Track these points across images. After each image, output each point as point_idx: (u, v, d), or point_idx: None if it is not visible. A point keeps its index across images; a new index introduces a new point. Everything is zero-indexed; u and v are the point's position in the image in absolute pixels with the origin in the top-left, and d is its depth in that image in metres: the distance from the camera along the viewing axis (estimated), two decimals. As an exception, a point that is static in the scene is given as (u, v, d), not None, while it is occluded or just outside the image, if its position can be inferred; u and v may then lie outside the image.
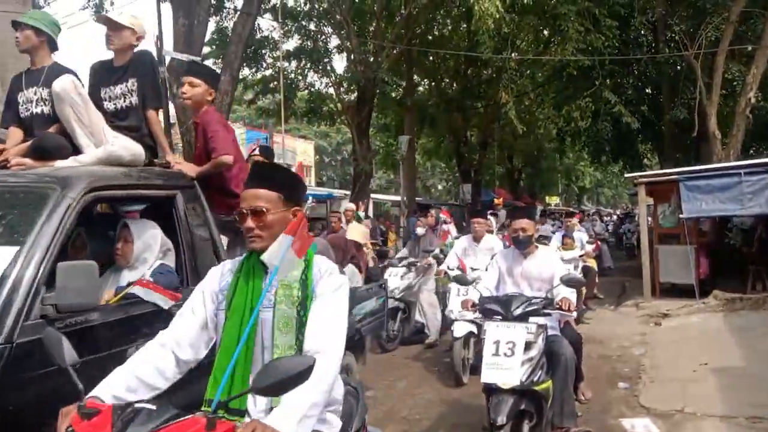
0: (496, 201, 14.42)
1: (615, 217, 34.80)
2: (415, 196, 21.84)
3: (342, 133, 39.20)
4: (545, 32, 17.76)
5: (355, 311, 4.58)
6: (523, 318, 3.76)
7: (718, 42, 13.15)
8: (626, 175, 12.48)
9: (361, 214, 13.59)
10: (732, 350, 6.64)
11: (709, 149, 13.19)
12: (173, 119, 12.61)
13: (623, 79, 17.42)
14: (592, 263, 9.94)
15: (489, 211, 12.99)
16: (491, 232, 9.41)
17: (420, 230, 8.61)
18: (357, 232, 8.76)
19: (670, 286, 10.48)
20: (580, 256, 9.15)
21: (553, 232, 12.63)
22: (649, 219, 12.21)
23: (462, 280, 4.62)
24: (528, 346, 3.65)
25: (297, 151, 35.78)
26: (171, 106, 12.21)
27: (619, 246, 21.33)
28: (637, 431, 4.66)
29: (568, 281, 3.85)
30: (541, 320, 3.86)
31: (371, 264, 9.18)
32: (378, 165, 29.63)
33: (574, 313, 4.22)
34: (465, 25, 19.48)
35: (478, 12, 11.29)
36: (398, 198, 22.42)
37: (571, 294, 4.00)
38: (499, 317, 3.84)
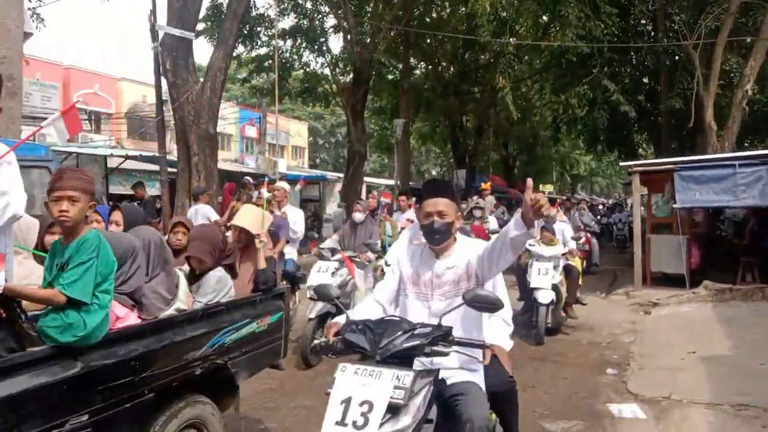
0: (483, 186, 14.03)
1: (603, 207, 32.72)
2: (409, 181, 21.78)
3: (336, 115, 38.97)
4: (545, 18, 17.59)
5: (214, 340, 3.29)
6: (398, 361, 2.36)
7: (717, 33, 13.07)
8: (621, 164, 12.46)
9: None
10: (720, 340, 6.67)
11: (704, 140, 13.18)
12: (165, 95, 12.46)
13: (621, 68, 17.30)
14: (576, 262, 8.21)
15: (475, 197, 12.90)
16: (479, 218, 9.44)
17: (358, 216, 7.14)
18: (247, 218, 5.03)
19: (661, 276, 10.52)
20: (564, 254, 7.53)
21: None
22: (642, 209, 12.24)
23: (322, 293, 2.91)
24: (394, 410, 2.23)
25: (290, 132, 35.55)
26: (163, 82, 12.11)
27: (609, 238, 21.26)
28: (624, 416, 4.67)
29: (472, 300, 2.38)
30: (437, 360, 2.50)
31: (263, 264, 5.85)
32: (372, 148, 29.49)
33: (508, 345, 3.02)
34: (463, 9, 19.30)
35: None
36: (392, 182, 22.36)
37: (502, 330, 2.98)
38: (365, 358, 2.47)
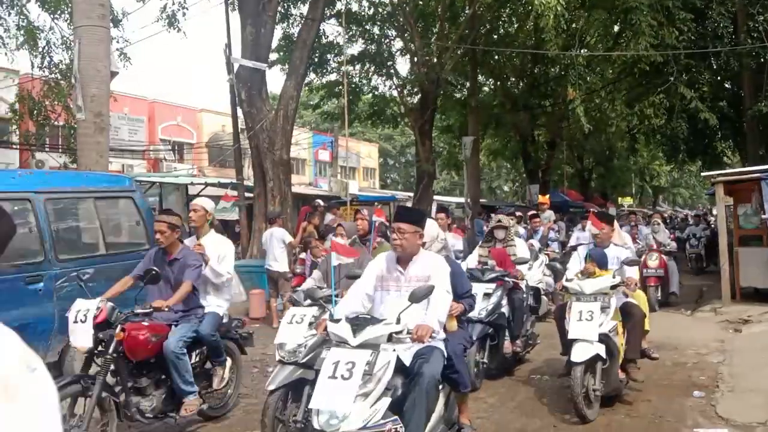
0: (540, 200, 13.41)
1: (678, 219, 29.13)
2: (479, 198, 21.60)
3: (406, 136, 39.28)
4: (615, 27, 17.15)
5: None
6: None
7: (805, 30, 12.31)
8: (703, 174, 11.87)
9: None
10: (822, 360, 6.18)
11: (795, 145, 12.38)
12: (242, 124, 13.02)
13: (700, 74, 16.59)
14: (640, 298, 5.78)
15: (530, 213, 12.33)
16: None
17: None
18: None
19: (751, 291, 9.89)
20: (617, 286, 5.20)
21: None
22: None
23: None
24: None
25: (361, 154, 36.11)
26: (240, 111, 12.66)
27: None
28: (714, 443, 4.41)
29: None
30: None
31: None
32: (441, 166, 29.48)
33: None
34: (531, 24, 19.11)
35: (539, 7, 11.04)
36: (462, 200, 22.23)
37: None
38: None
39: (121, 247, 6.67)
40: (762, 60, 15.40)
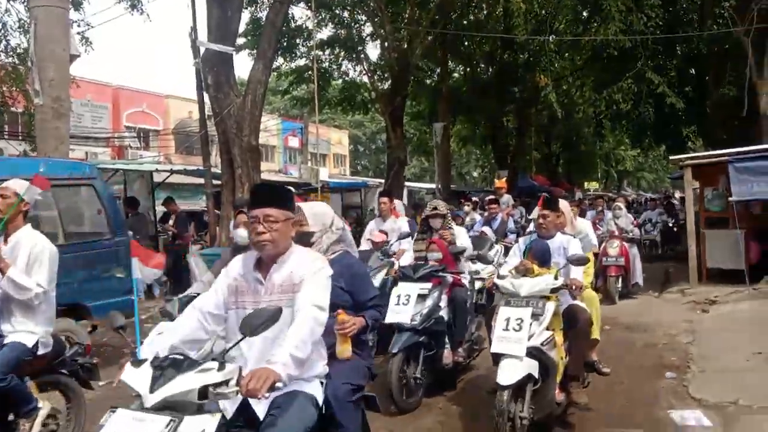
0: (497, 183, 12.01)
1: (644, 203, 26.49)
2: (449, 184, 21.61)
3: (376, 122, 39.12)
4: (585, 13, 17.23)
5: None
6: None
7: (769, 17, 12.51)
8: (672, 157, 11.95)
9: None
10: (788, 339, 6.30)
11: (758, 130, 12.61)
12: (209, 111, 12.69)
13: (667, 60, 16.80)
14: (590, 300, 4.86)
15: (488, 198, 10.93)
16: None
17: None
18: None
19: (717, 272, 10.07)
20: (559, 289, 4.24)
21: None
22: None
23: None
24: None
25: (331, 140, 35.83)
26: (207, 97, 12.34)
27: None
28: (688, 424, 4.44)
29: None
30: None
31: None
32: (412, 153, 29.42)
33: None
34: (500, 9, 19.09)
35: None
36: (433, 186, 22.23)
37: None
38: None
39: (82, 237, 6.47)
40: (726, 46, 15.67)
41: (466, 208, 11.18)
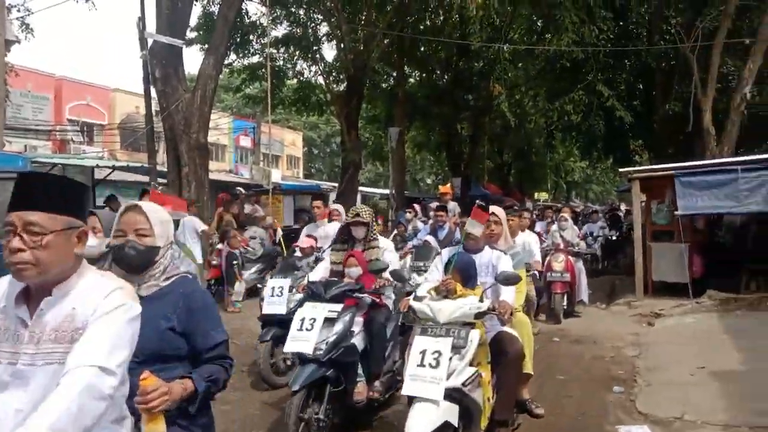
0: (441, 189, 11.03)
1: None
2: (404, 190, 21.54)
3: (331, 125, 38.82)
4: (539, 23, 17.46)
5: None
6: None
7: (714, 35, 12.91)
8: (621, 170, 12.15)
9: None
10: (730, 353, 6.40)
11: (702, 145, 12.98)
12: (156, 106, 12.21)
13: (617, 74, 17.18)
14: (522, 326, 4.48)
15: (435, 205, 9.78)
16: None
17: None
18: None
19: (662, 285, 10.26)
20: (485, 312, 3.68)
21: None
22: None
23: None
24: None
25: (285, 141, 35.32)
26: (152, 92, 11.87)
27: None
28: (636, 440, 4.39)
29: None
30: None
31: None
32: (367, 157, 29.27)
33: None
34: (456, 16, 19.17)
35: None
36: (387, 191, 22.12)
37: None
38: None
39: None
40: (673, 62, 16.14)
41: (408, 215, 10.57)
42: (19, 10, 14.91)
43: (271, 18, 17.30)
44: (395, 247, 7.86)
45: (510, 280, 3.83)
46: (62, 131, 24.83)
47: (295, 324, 4.35)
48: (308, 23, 19.00)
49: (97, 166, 11.72)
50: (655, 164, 14.68)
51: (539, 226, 10.93)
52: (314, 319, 4.30)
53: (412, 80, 24.35)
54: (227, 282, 9.43)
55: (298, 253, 6.73)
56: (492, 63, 18.76)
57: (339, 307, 4.40)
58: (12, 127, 21.37)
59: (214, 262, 9.75)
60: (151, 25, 11.57)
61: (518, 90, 22.97)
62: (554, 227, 9.86)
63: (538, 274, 6.88)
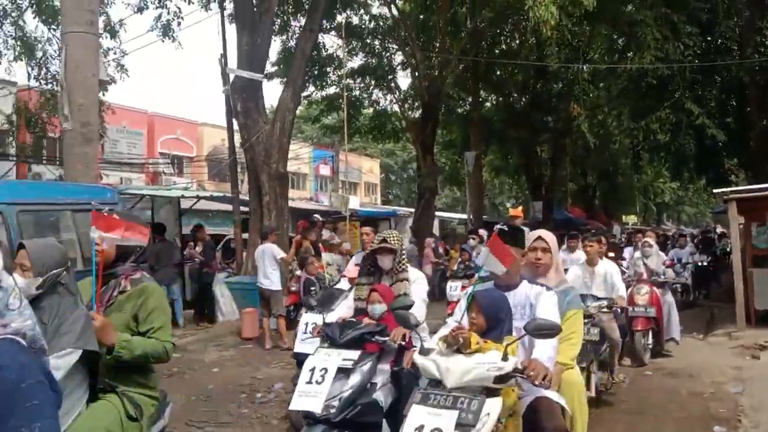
0: (511, 212, 10.16)
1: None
2: (482, 214, 21.23)
3: (408, 151, 39.08)
4: (620, 42, 16.91)
5: None
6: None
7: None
8: (716, 191, 11.41)
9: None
10: None
11: (807, 162, 12.02)
12: (238, 137, 12.69)
13: (706, 90, 16.30)
14: (571, 385, 3.33)
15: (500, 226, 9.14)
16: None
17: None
18: None
19: (766, 314, 9.44)
20: (517, 373, 2.69)
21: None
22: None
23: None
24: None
25: (363, 169, 35.84)
26: (235, 124, 12.35)
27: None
28: (742, 488, 3.97)
29: None
30: None
31: None
32: (444, 182, 29.15)
33: None
34: (533, 39, 18.90)
35: (534, 18, 10.67)
36: (465, 216, 21.88)
37: None
38: None
39: (101, 263, 6.26)
40: (769, 76, 15.13)
41: (472, 242, 9.97)
42: (115, 53, 16.09)
43: (346, 50, 17.70)
44: (463, 275, 7.47)
45: (542, 330, 2.70)
46: (154, 164, 26.33)
47: (303, 376, 3.60)
48: (383, 53, 19.30)
49: (183, 197, 12.25)
50: (752, 184, 13.70)
51: (627, 253, 10.05)
52: (325, 369, 3.54)
53: (488, 104, 24.17)
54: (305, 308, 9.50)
55: (343, 284, 6.33)
56: (571, 84, 18.32)
57: (356, 354, 3.64)
58: (109, 161, 22.89)
59: (293, 289, 9.87)
60: (232, 61, 12.09)
61: (600, 110, 22.27)
62: (636, 254, 8.68)
63: (620, 310, 5.99)
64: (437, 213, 22.02)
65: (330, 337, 3.77)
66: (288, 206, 12.40)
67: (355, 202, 22.54)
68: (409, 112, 19.83)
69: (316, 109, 21.67)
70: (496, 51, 20.81)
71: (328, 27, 17.19)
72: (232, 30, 12.47)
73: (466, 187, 20.64)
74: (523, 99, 22.83)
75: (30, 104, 16.71)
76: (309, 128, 34.58)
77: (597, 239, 6.00)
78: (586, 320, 4.86)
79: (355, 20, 18.73)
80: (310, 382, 3.51)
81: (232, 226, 13.00)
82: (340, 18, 17.17)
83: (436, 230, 22.30)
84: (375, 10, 18.86)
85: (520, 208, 11.38)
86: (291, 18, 17.16)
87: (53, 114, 16.72)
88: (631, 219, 40.60)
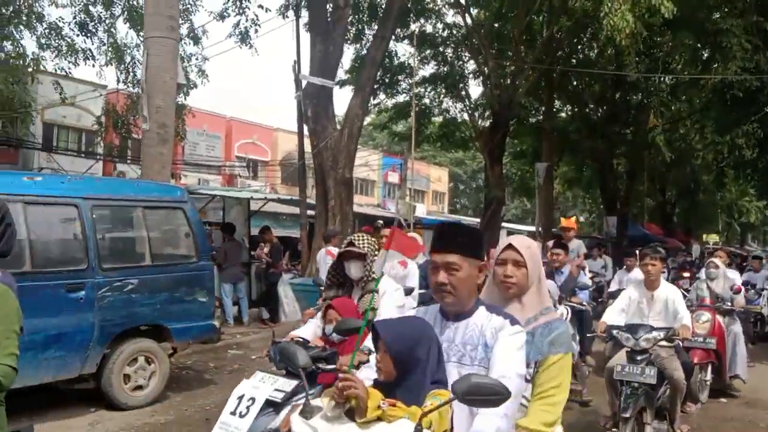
0: (563, 223, 8.81)
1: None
2: (552, 227, 20.69)
3: (477, 161, 38.70)
4: (704, 52, 16.10)
5: None
6: None
7: None
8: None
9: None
10: None
11: None
12: (307, 145, 12.96)
13: (799, 103, 15.27)
14: None
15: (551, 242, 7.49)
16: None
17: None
18: None
19: None
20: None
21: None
22: None
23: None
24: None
25: (431, 177, 35.78)
26: (305, 129, 12.62)
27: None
28: None
29: None
30: None
31: None
32: (513, 193, 28.64)
33: None
34: (611, 49, 18.30)
35: (608, 26, 10.30)
36: (534, 228, 21.40)
37: None
38: None
39: (168, 259, 6.55)
40: None
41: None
42: (197, 58, 16.82)
43: (418, 58, 17.75)
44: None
45: (479, 395, 1.73)
46: (230, 167, 27.30)
47: (230, 403, 3.07)
48: (455, 61, 19.22)
49: (252, 198, 12.62)
50: None
51: (747, 276, 9.36)
52: (252, 400, 2.97)
53: (562, 114, 23.58)
54: (364, 313, 9.54)
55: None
56: (650, 95, 17.62)
57: (291, 384, 2.98)
58: (188, 162, 23.92)
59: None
60: (305, 68, 12.36)
61: (682, 123, 21.27)
62: (702, 275, 7.69)
63: (681, 343, 4.87)
64: (505, 224, 21.66)
65: (272, 359, 3.22)
66: (353, 211, 12.54)
67: (421, 210, 22.54)
68: (479, 121, 19.63)
69: (386, 116, 21.84)
70: (573, 60, 20.29)
71: (402, 35, 17.30)
72: (306, 38, 12.76)
73: (535, 198, 20.19)
74: (600, 110, 22.12)
75: (117, 107, 17.66)
76: (380, 136, 34.93)
77: (660, 256, 4.94)
78: (639, 357, 4.35)
79: (429, 28, 18.78)
80: (234, 413, 2.98)
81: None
82: (413, 26, 17.25)
83: (502, 240, 21.90)
84: (449, 19, 18.85)
85: (573, 219, 9.61)
86: (365, 26, 17.40)
87: (137, 116, 17.67)
88: (713, 238, 38.46)
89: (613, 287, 8.16)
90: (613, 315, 4.91)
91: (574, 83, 20.78)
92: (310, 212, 12.98)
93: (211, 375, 7.41)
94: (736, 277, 8.18)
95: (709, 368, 6.50)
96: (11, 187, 5.24)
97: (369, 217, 19.34)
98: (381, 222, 12.85)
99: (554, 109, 21.60)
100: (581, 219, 44.51)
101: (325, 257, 9.26)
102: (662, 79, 16.19)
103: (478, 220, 21.30)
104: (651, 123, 15.16)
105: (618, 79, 18.14)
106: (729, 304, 7.05)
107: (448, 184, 40.76)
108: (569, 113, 23.56)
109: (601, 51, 19.67)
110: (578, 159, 24.43)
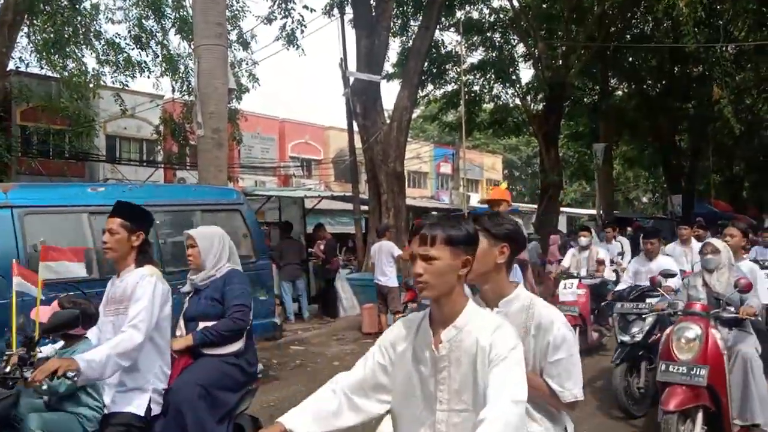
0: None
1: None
2: (613, 209, 20.12)
3: (532, 146, 37.95)
4: (769, 15, 15.22)
5: None
6: None
7: None
8: None
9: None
10: None
11: None
12: (357, 141, 13.01)
13: None
14: None
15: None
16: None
17: None
18: None
19: None
20: None
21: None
22: None
23: None
24: None
25: (484, 166, 35.31)
26: (355, 125, 12.67)
27: None
28: None
29: None
30: None
31: None
32: (571, 176, 27.94)
33: None
34: (668, 22, 17.53)
35: None
36: (594, 212, 20.84)
37: None
38: None
39: (228, 260, 6.68)
40: None
41: (583, 240, 8.38)
42: (247, 63, 17.15)
43: (465, 45, 17.52)
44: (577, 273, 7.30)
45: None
46: (285, 167, 27.75)
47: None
48: (504, 46, 18.88)
49: (306, 197, 12.79)
50: None
51: (755, 252, 7.97)
52: None
53: (618, 92, 22.81)
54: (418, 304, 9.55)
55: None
56: (712, 66, 16.81)
57: None
58: (244, 165, 24.46)
59: (411, 283, 9.95)
60: (352, 65, 12.40)
61: (748, 93, 20.22)
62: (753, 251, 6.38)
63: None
64: (564, 209, 21.19)
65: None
66: (405, 204, 12.52)
67: (476, 200, 22.28)
68: (532, 105, 19.23)
69: (435, 107, 21.68)
70: (627, 36, 19.58)
71: (447, 24, 17.12)
72: (351, 34, 12.80)
73: (595, 180, 19.64)
74: (658, 85, 21.28)
75: (174, 115, 18.21)
76: (430, 127, 34.73)
77: (740, 228, 4.50)
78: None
79: (475, 15, 18.51)
80: None
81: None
82: (459, 14, 17.04)
83: (562, 227, 21.44)
84: (495, 3, 18.54)
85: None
86: (410, 18, 17.30)
87: (193, 123, 18.16)
88: (789, 212, 36.44)
89: (622, 283, 6.31)
90: None
91: (630, 59, 20.06)
92: (363, 207, 13.05)
93: (274, 371, 7.54)
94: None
95: (700, 416, 3.89)
96: (77, 198, 5.48)
97: (422, 210, 19.30)
98: (434, 214, 12.81)
99: (610, 88, 20.93)
100: (644, 200, 43.02)
101: (379, 251, 9.31)
102: (725, 48, 15.37)
103: (535, 206, 20.93)
104: (715, 95, 14.41)
105: (676, 51, 17.39)
106: (733, 309, 4.22)
107: (503, 172, 40.15)
108: (626, 91, 22.78)
109: (657, 23, 18.91)
110: (638, 137, 23.61)
